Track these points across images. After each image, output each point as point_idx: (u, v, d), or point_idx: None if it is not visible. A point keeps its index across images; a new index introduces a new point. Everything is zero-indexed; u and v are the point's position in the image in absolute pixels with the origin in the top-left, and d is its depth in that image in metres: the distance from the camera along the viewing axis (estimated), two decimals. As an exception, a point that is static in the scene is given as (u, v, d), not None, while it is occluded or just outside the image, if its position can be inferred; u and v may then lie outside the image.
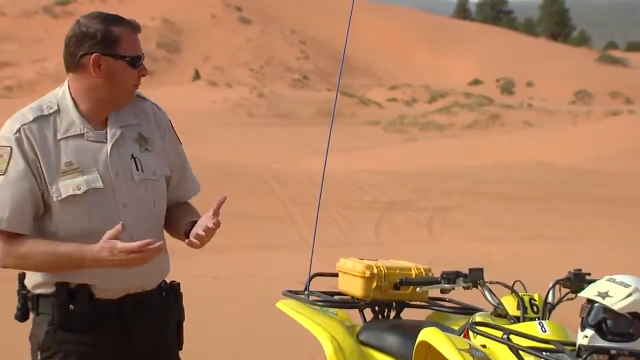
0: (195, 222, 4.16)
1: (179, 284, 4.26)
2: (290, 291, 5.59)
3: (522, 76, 78.63)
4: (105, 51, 3.95)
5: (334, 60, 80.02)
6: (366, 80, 75.74)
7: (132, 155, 4.04)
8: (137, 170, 4.04)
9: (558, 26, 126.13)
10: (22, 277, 4.03)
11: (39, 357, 4.00)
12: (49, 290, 3.96)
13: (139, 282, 4.02)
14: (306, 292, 5.50)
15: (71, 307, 3.94)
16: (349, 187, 24.55)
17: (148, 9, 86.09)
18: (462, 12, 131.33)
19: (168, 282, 4.22)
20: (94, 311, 3.98)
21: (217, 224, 4.09)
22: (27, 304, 4.02)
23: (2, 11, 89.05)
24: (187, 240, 4.14)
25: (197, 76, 70.42)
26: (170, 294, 4.20)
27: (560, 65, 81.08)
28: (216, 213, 4.10)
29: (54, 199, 3.90)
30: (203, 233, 4.07)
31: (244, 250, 17.32)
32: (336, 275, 5.50)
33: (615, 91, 72.25)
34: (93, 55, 3.94)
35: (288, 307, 5.45)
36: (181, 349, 4.29)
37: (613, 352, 4.28)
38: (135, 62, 4.01)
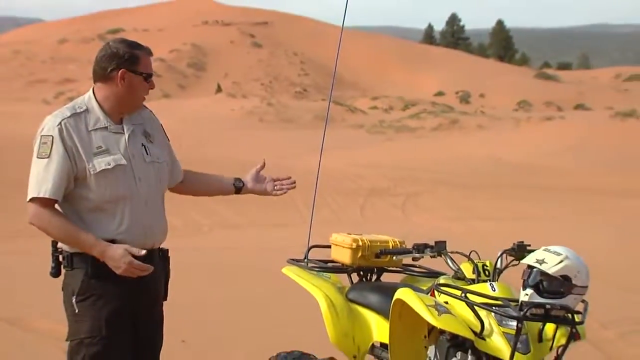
0: (240, 178, 4.72)
1: (167, 250, 4.41)
2: (293, 259, 5.59)
3: (476, 89, 78.53)
4: (130, 68, 4.11)
5: (328, 77, 79.90)
6: (353, 92, 75.59)
7: (142, 144, 4.23)
8: (147, 154, 4.23)
9: (504, 50, 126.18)
10: (55, 241, 4.16)
11: (74, 300, 4.10)
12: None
13: (151, 240, 4.19)
14: (306, 260, 5.51)
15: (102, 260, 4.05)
16: (340, 178, 24.56)
17: (181, 37, 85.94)
18: (429, 39, 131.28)
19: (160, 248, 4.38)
20: None
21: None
22: (60, 262, 4.14)
23: (66, 39, 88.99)
24: (273, 192, 4.79)
25: (219, 89, 70.15)
26: (163, 255, 4.37)
27: (506, 81, 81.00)
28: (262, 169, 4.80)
29: (91, 172, 4.04)
30: (285, 185, 4.80)
31: (258, 227, 17.33)
32: (329, 247, 5.50)
33: (549, 101, 72.13)
34: (120, 71, 4.11)
35: (291, 272, 5.46)
36: (166, 299, 4.43)
37: (548, 306, 4.28)
38: (148, 78, 4.19)
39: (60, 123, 4.05)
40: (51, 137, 4.02)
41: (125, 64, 4.10)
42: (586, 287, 4.35)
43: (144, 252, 4.02)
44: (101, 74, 4.14)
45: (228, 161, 23.83)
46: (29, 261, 11.17)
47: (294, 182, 4.80)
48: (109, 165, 4.05)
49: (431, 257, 4.89)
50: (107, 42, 4.26)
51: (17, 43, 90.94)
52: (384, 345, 4.97)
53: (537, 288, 4.32)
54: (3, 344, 7.78)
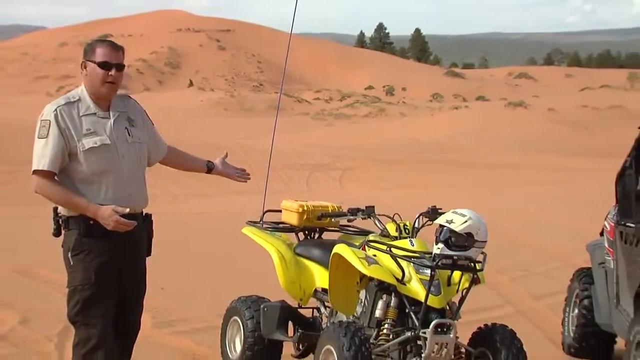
0: (211, 161, 4.64)
1: (151, 214, 4.35)
2: (250, 221, 5.57)
3: (399, 84, 78.70)
4: (87, 58, 4.11)
5: (280, 74, 79.49)
6: (300, 86, 75.28)
7: (125, 127, 4.17)
8: (129, 136, 4.16)
9: (421, 52, 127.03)
10: (55, 208, 4.12)
11: (69, 255, 4.07)
12: (76, 213, 4.04)
13: (132, 206, 4.10)
14: (261, 222, 5.49)
15: (91, 222, 4.01)
16: (289, 155, 24.52)
17: (159, 41, 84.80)
18: (361, 43, 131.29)
19: (144, 213, 4.31)
20: None
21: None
22: (60, 224, 4.11)
23: (66, 42, 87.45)
24: (235, 177, 4.70)
25: (191, 84, 69.34)
26: (147, 219, 4.30)
27: (422, 77, 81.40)
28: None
29: (81, 149, 4.02)
30: (244, 174, 4.72)
31: (223, 195, 17.25)
32: (280, 211, 5.49)
33: (456, 94, 72.59)
34: (82, 61, 4.12)
35: (249, 231, 5.44)
36: (149, 255, 4.35)
37: (455, 257, 4.33)
38: (103, 66, 4.08)
39: (55, 110, 4.03)
40: (48, 121, 4.01)
41: (85, 56, 4.11)
42: (485, 241, 4.40)
43: (127, 210, 4.00)
44: (81, 69, 4.17)
45: (198, 142, 23.62)
46: (37, 223, 10.99)
47: (249, 175, 4.78)
48: (95, 144, 4.03)
49: (362, 219, 4.91)
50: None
51: (24, 46, 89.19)
52: (324, 290, 4.99)
53: (446, 243, 4.36)
54: (17, 290, 7.84)
